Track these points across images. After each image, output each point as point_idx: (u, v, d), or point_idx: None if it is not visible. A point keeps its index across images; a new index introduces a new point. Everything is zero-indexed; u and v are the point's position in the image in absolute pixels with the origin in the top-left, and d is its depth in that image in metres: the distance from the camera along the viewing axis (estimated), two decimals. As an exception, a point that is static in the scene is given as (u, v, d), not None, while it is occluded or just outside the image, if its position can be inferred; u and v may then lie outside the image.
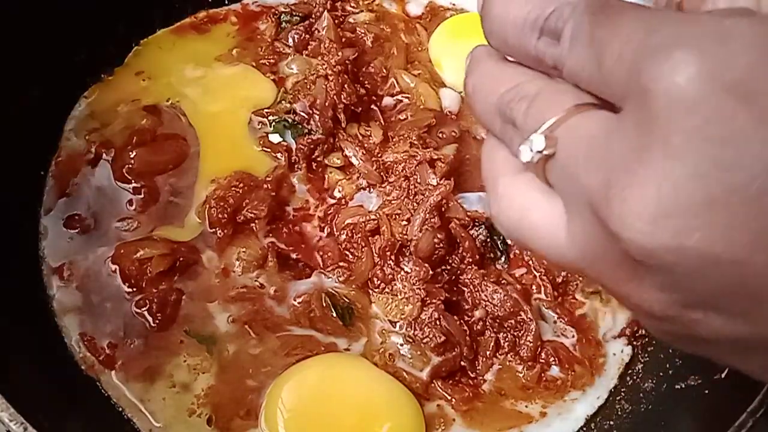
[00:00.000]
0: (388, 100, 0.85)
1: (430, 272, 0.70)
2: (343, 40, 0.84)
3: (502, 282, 0.73)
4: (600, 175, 0.29)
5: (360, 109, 0.81)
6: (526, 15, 0.33)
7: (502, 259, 0.76)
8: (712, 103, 0.25)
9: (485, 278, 0.73)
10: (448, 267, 0.74)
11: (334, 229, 0.75)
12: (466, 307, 0.72)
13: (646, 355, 0.74)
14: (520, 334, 0.71)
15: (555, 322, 0.74)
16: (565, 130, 0.31)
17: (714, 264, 0.26)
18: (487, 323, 0.72)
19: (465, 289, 0.73)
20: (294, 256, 0.74)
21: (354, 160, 0.79)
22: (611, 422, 0.70)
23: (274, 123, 0.79)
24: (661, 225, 0.26)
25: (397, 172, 0.76)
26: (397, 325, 0.71)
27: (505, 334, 0.71)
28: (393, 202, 0.75)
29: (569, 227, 0.32)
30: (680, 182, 0.26)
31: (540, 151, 0.31)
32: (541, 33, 0.32)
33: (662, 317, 0.30)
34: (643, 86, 0.27)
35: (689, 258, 0.26)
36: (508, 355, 0.71)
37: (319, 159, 0.79)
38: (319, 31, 0.85)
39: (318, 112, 0.78)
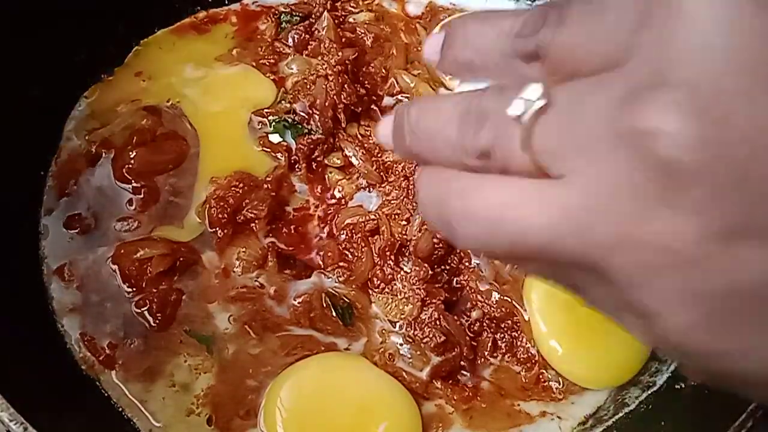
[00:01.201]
0: (388, 100, 0.85)
1: (430, 272, 0.70)
2: (343, 40, 0.84)
3: (499, 282, 0.73)
4: (618, 97, 0.28)
5: (360, 109, 0.81)
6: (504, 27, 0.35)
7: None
8: None
9: (481, 279, 0.73)
10: (448, 267, 0.74)
11: (334, 229, 0.75)
12: (464, 307, 0.73)
13: (646, 355, 0.74)
14: (517, 335, 0.71)
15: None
16: (558, 85, 0.31)
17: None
18: (484, 324, 0.72)
19: (463, 289, 0.73)
20: (294, 256, 0.74)
21: (354, 160, 0.79)
22: (611, 422, 0.70)
23: (274, 123, 0.79)
24: (708, 121, 0.25)
25: (397, 172, 0.76)
26: (397, 325, 0.71)
27: (502, 335, 0.71)
28: (393, 202, 0.75)
29: (566, 188, 0.30)
30: (717, 65, 0.25)
31: (533, 107, 0.30)
32: (520, 34, 0.33)
33: (698, 259, 0.28)
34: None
35: (737, 148, 0.25)
36: (506, 356, 0.71)
37: (319, 159, 0.79)
38: (319, 31, 0.85)
39: (318, 112, 0.78)
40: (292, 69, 0.84)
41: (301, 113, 0.79)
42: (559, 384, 0.71)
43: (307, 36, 0.85)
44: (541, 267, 0.36)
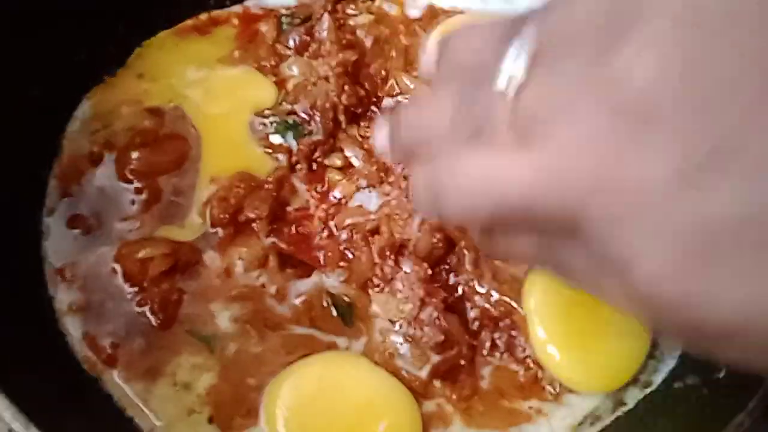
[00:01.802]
0: (388, 102, 0.85)
1: (430, 272, 0.71)
2: (344, 42, 0.85)
3: (498, 281, 0.74)
4: (594, 46, 0.29)
5: (360, 110, 0.82)
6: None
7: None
8: None
9: (480, 278, 0.73)
10: (447, 266, 0.74)
11: (335, 229, 0.76)
12: (463, 306, 0.73)
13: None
14: (515, 335, 0.72)
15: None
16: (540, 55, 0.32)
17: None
18: (483, 323, 0.72)
19: (462, 289, 0.74)
20: (295, 255, 0.75)
21: (354, 161, 0.79)
22: (609, 421, 0.70)
23: (275, 124, 0.80)
24: (662, 46, 0.26)
25: (397, 172, 0.77)
26: (397, 324, 0.71)
27: (500, 334, 0.72)
28: (393, 202, 0.75)
29: (550, 145, 0.31)
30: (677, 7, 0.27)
31: (518, 75, 0.32)
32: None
33: (667, 196, 0.28)
34: None
35: (700, 83, 0.26)
36: (504, 355, 0.71)
37: (319, 160, 0.79)
38: (319, 34, 0.85)
39: (319, 114, 0.78)
40: (293, 71, 0.84)
41: (302, 114, 0.79)
42: (558, 383, 0.71)
43: (308, 38, 0.86)
44: (525, 238, 0.37)
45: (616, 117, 0.29)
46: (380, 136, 0.44)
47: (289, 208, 0.77)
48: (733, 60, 0.27)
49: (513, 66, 0.33)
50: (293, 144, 0.79)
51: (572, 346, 0.69)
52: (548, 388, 0.70)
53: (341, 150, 0.80)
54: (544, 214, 0.32)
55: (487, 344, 0.71)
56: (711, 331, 0.31)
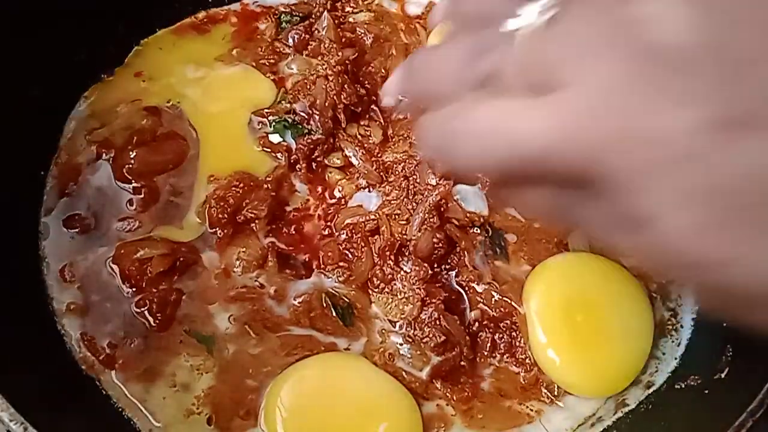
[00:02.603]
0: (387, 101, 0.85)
1: (430, 272, 0.70)
2: (343, 40, 0.84)
3: (498, 282, 0.73)
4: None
5: (360, 109, 0.81)
6: None
7: (501, 259, 0.76)
8: None
9: (481, 279, 0.73)
10: (448, 267, 0.74)
11: (334, 229, 0.75)
12: (463, 306, 0.73)
13: (646, 355, 0.74)
14: (515, 336, 0.71)
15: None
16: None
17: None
18: (483, 324, 0.72)
19: (462, 289, 0.73)
20: (294, 256, 0.74)
21: (354, 160, 0.79)
22: (610, 422, 0.70)
23: (274, 123, 0.79)
24: (708, 12, 0.25)
25: (397, 172, 0.76)
26: (397, 324, 0.71)
27: (501, 335, 0.71)
28: (392, 202, 0.75)
29: (569, 95, 0.29)
30: None
31: (537, 19, 0.31)
32: None
33: (697, 152, 0.26)
34: None
35: (735, 35, 0.24)
36: (505, 356, 0.71)
37: (319, 159, 0.79)
38: (319, 32, 0.85)
39: (318, 112, 0.78)
40: (292, 69, 0.84)
41: (301, 113, 0.79)
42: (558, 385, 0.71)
43: (307, 36, 0.86)
44: (538, 189, 0.35)
45: (644, 62, 0.27)
46: (390, 80, 0.42)
47: (288, 208, 0.77)
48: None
49: (529, 9, 0.31)
50: (292, 143, 0.79)
51: (573, 351, 0.69)
52: (549, 389, 0.70)
53: (341, 149, 0.80)
54: (562, 165, 0.30)
55: (488, 345, 0.71)
56: (740, 291, 0.29)
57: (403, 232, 0.72)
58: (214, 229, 0.73)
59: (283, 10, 0.89)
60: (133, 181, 0.75)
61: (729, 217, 0.27)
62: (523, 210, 0.67)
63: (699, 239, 0.28)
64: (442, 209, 0.73)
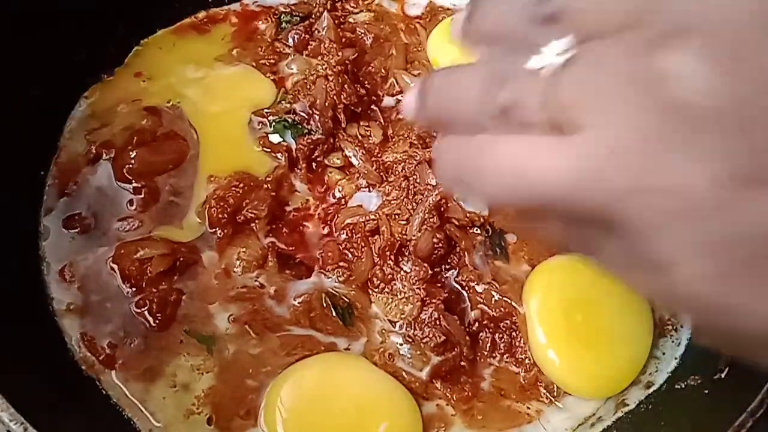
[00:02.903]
0: (388, 100, 0.85)
1: (430, 272, 0.70)
2: (343, 40, 0.85)
3: (498, 282, 0.73)
4: (642, 46, 0.27)
5: (360, 109, 0.81)
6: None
7: (501, 259, 0.76)
8: None
9: (481, 279, 0.73)
10: (448, 266, 0.74)
11: (334, 229, 0.75)
12: (463, 306, 0.73)
13: (646, 355, 0.74)
14: (515, 335, 0.71)
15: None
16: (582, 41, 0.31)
17: None
18: (483, 324, 0.72)
19: (462, 289, 0.73)
20: (294, 256, 0.74)
21: (354, 160, 0.79)
22: (610, 422, 0.70)
23: (274, 123, 0.79)
24: (719, 52, 0.25)
25: (397, 172, 0.76)
26: (397, 324, 0.71)
27: (501, 335, 0.71)
28: (392, 202, 0.75)
29: (588, 139, 0.30)
30: (739, 15, 0.25)
31: (557, 56, 0.31)
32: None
33: (713, 205, 0.27)
34: None
35: (754, 94, 0.25)
36: (504, 356, 0.71)
37: (319, 159, 0.79)
38: (319, 32, 0.85)
39: (318, 112, 0.78)
40: (292, 69, 0.84)
41: (301, 113, 0.79)
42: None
43: (307, 36, 0.86)
44: (556, 223, 0.36)
45: (663, 116, 0.28)
46: (409, 96, 0.42)
47: (288, 208, 0.77)
48: None
49: (549, 47, 0.32)
50: (292, 143, 0.79)
51: (573, 352, 0.69)
52: (548, 390, 0.70)
53: (341, 149, 0.80)
54: (581, 208, 0.31)
55: (488, 345, 0.71)
56: (750, 338, 0.30)
57: (403, 232, 0.72)
58: (214, 229, 0.73)
59: (283, 10, 0.89)
60: (133, 181, 0.75)
61: (742, 268, 0.29)
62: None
63: (713, 287, 0.30)
64: (442, 209, 0.73)
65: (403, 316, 0.70)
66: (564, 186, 0.31)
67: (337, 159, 0.79)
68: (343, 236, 0.74)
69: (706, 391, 0.66)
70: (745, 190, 0.27)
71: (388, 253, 0.71)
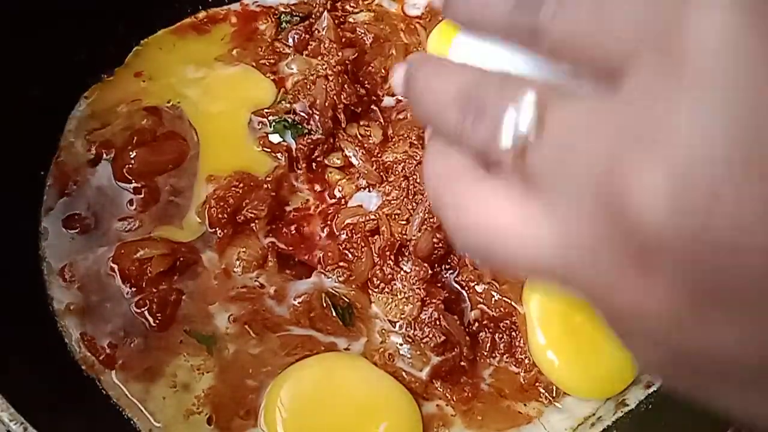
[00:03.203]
0: (388, 100, 0.85)
1: (430, 272, 0.70)
2: (343, 40, 0.84)
3: (498, 282, 0.73)
4: (606, 146, 0.26)
5: (360, 109, 0.81)
6: None
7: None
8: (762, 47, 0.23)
9: (481, 279, 0.73)
10: (448, 266, 0.74)
11: (334, 229, 0.75)
12: (463, 306, 0.73)
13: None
14: (515, 336, 0.71)
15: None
16: (554, 105, 0.29)
17: (750, 248, 0.23)
18: (483, 324, 0.72)
19: (462, 289, 0.73)
20: (294, 256, 0.74)
21: (354, 160, 0.79)
22: (610, 422, 0.70)
23: (274, 123, 0.79)
24: (689, 197, 0.23)
25: (397, 172, 0.76)
26: (397, 324, 0.71)
27: (500, 335, 0.71)
28: (393, 202, 0.75)
29: (553, 224, 0.29)
30: (716, 143, 0.23)
31: (523, 134, 0.29)
32: (520, 5, 0.32)
33: (672, 325, 0.27)
34: (671, 29, 0.25)
35: (723, 238, 0.24)
36: (504, 357, 0.71)
37: (319, 159, 0.79)
38: (319, 32, 0.85)
39: (318, 112, 0.78)
40: (292, 69, 0.84)
41: (301, 113, 0.79)
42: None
43: (307, 36, 0.85)
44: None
45: (622, 235, 0.26)
46: (397, 77, 0.41)
47: (288, 208, 0.77)
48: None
49: (524, 112, 0.30)
50: (292, 143, 0.79)
51: (572, 352, 0.69)
52: (548, 390, 0.70)
53: (341, 149, 0.80)
54: (551, 282, 0.31)
55: (488, 345, 0.71)
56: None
57: (403, 232, 0.72)
58: (214, 229, 0.73)
59: (283, 10, 0.89)
60: (133, 181, 0.75)
61: (698, 382, 0.31)
62: None
63: (671, 383, 0.33)
64: (442, 209, 0.73)
65: (403, 316, 0.70)
66: (530, 267, 0.31)
67: (337, 159, 0.79)
68: (343, 236, 0.74)
69: (706, 391, 0.66)
70: (701, 316, 0.26)
71: (388, 253, 0.71)
